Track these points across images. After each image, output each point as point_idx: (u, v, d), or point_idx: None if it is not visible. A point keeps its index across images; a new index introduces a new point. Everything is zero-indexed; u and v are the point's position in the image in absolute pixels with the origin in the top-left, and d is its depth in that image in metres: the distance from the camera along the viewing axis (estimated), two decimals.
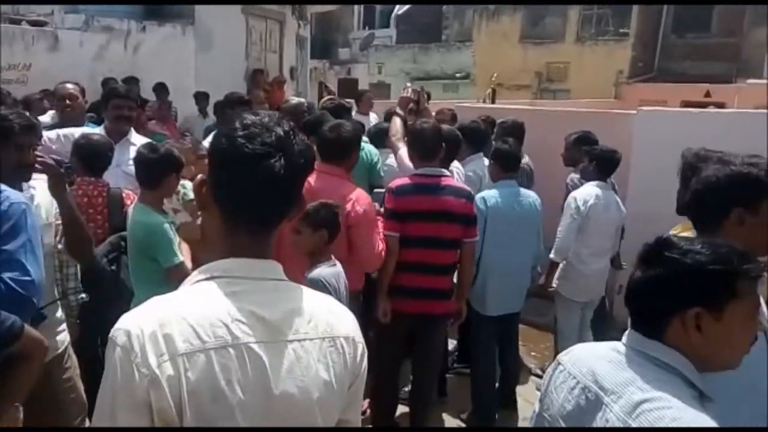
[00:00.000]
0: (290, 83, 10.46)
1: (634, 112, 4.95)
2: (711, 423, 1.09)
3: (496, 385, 3.74)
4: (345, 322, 1.14)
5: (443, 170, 3.30)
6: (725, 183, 1.57)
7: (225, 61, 8.82)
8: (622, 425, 1.13)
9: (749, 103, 8.68)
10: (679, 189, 2.56)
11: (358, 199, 2.97)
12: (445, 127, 3.68)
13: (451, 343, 4.17)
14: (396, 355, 3.34)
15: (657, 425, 1.09)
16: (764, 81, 11.44)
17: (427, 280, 3.14)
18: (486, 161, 4.39)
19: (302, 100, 5.44)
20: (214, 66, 8.48)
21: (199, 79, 8.22)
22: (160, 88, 7.23)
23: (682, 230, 2.44)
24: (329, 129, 3.13)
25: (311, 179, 2.97)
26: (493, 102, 9.30)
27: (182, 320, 0.98)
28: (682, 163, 2.65)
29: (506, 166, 3.65)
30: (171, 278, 2.51)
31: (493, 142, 4.74)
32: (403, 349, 3.35)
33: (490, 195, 3.55)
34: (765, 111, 4.43)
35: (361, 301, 3.16)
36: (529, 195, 3.68)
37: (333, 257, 2.64)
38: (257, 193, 1.04)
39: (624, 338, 1.28)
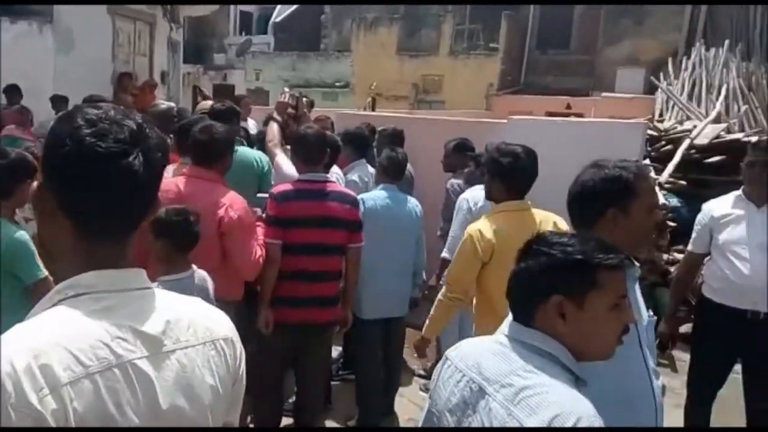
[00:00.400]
0: (161, 88, 9.96)
1: (505, 120, 5.20)
2: (588, 404, 1.15)
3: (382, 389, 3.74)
4: (222, 324, 1.09)
5: (328, 176, 3.26)
6: (599, 185, 1.67)
7: (88, 63, 8.18)
8: (505, 412, 1.17)
9: (605, 114, 9.48)
10: (486, 179, 2.86)
11: (232, 204, 2.81)
12: (328, 134, 3.66)
13: (336, 350, 4.13)
14: (279, 367, 3.23)
15: (537, 409, 1.13)
16: (616, 95, 12.59)
17: (311, 288, 3.07)
18: (370, 168, 4.42)
19: (172, 104, 5.18)
20: (75, 68, 7.85)
21: (59, 82, 7.56)
22: (12, 90, 6.58)
23: (496, 213, 2.69)
24: (200, 131, 2.95)
25: (180, 184, 2.80)
26: (373, 110, 9.41)
27: (58, 346, 0.87)
28: (487, 156, 2.92)
29: (393, 173, 3.68)
30: (35, 296, 2.25)
31: (374, 150, 4.80)
32: (286, 361, 3.25)
33: (369, 197, 3.56)
34: (619, 120, 4.84)
35: (241, 311, 3.02)
36: (410, 201, 3.72)
37: (194, 266, 2.46)
38: (115, 197, 0.94)
39: (505, 329, 1.32)
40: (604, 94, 12.71)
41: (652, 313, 1.75)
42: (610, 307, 1.25)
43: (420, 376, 4.35)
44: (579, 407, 1.13)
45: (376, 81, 14.22)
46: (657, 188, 5.95)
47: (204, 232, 2.48)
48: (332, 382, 3.99)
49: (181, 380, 0.97)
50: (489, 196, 2.90)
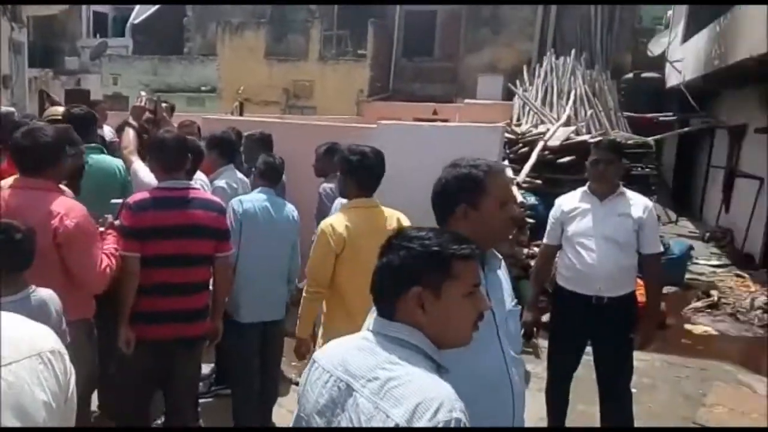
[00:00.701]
0: (3, 93, 9.06)
1: (375, 125, 5.29)
2: (448, 388, 1.20)
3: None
4: (47, 338, 1.05)
5: (190, 183, 3.12)
6: (452, 182, 1.75)
7: None
8: (372, 406, 1.19)
9: (468, 119, 9.96)
10: (340, 178, 3.09)
11: (68, 212, 2.55)
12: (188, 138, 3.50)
13: (207, 367, 3.96)
14: (143, 388, 3.03)
15: (402, 399, 1.16)
16: (478, 101, 13.27)
17: (174, 301, 2.91)
18: (239, 174, 4.30)
19: (11, 109, 4.73)
20: None
21: None
22: None
23: (348, 209, 2.86)
24: (23, 135, 2.64)
25: (5, 196, 2.55)
26: (241, 115, 9.19)
27: None
28: (339, 156, 3.17)
29: (270, 177, 3.65)
30: None
31: (242, 155, 4.68)
32: (151, 380, 3.05)
33: (247, 199, 3.52)
34: (479, 124, 5.11)
35: (95, 330, 2.80)
36: (287, 205, 3.70)
37: (32, 286, 2.21)
38: None
39: (371, 325, 1.35)
40: (467, 100, 13.34)
41: (516, 302, 1.83)
42: (464, 295, 1.32)
43: (298, 384, 4.29)
44: (441, 393, 1.17)
45: (244, 86, 13.86)
46: (515, 187, 6.35)
47: (39, 246, 2.26)
48: (205, 399, 3.82)
49: (9, 399, 0.92)
50: (342, 194, 3.16)
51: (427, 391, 1.17)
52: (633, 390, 3.87)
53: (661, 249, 3.45)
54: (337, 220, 2.93)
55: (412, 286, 1.29)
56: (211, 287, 3.12)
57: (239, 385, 3.59)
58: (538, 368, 4.37)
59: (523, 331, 3.68)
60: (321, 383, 1.32)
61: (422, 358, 1.27)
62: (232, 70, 16.48)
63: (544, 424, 3.78)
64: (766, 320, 6.52)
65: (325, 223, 2.94)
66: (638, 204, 3.37)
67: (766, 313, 6.68)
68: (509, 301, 1.78)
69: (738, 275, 8.22)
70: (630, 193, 3.45)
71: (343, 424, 1.24)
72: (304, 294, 3.00)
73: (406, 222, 2.95)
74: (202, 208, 2.97)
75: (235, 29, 17.04)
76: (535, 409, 4.00)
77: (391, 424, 1.15)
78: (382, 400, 1.18)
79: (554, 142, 8.21)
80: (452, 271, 1.30)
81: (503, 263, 1.84)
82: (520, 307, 1.83)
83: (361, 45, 16.09)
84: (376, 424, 1.18)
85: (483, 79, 14.97)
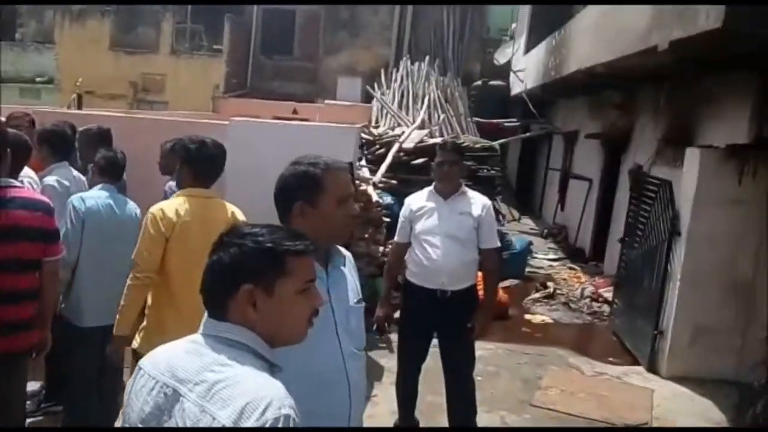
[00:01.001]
0: None
1: (227, 122, 5.14)
2: (279, 387, 1.19)
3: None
4: None
5: (11, 180, 2.82)
6: (290, 180, 1.75)
7: None
8: (198, 410, 1.16)
9: (328, 120, 9.96)
10: (179, 169, 3.07)
11: None
12: (9, 131, 3.16)
13: (34, 384, 3.61)
14: None
15: (229, 400, 1.14)
16: (338, 102, 13.38)
17: None
18: (74, 171, 3.98)
19: None
20: None
21: None
22: None
23: (180, 196, 2.82)
24: None
25: None
26: (79, 108, 8.50)
27: None
28: (179, 146, 3.14)
29: (111, 173, 3.49)
30: None
31: (77, 151, 4.33)
32: None
33: (89, 196, 3.37)
34: (334, 124, 5.15)
35: None
36: (129, 202, 3.55)
37: None
38: None
39: (201, 327, 1.30)
40: (327, 101, 13.41)
41: (359, 299, 1.86)
42: (298, 291, 1.30)
43: None
44: (270, 392, 1.16)
45: (87, 77, 12.81)
46: (371, 187, 6.48)
47: None
48: (33, 419, 3.48)
49: None
50: (179, 184, 3.12)
51: (256, 391, 1.15)
52: (478, 378, 4.12)
53: (498, 244, 3.71)
54: (167, 205, 2.89)
55: (243, 283, 1.26)
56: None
57: (75, 398, 3.32)
58: (392, 362, 4.49)
59: (375, 326, 3.81)
60: (146, 391, 1.26)
61: (253, 357, 1.25)
62: (72, 61, 15.18)
63: (395, 417, 3.90)
64: (594, 308, 7.24)
65: (155, 207, 2.89)
66: (478, 203, 3.59)
67: (593, 301, 7.42)
68: (352, 297, 1.80)
69: (571, 268, 9.05)
70: (471, 193, 3.67)
71: None
72: (129, 281, 2.86)
73: (241, 217, 2.93)
74: (23, 208, 2.70)
75: (76, 17, 15.72)
76: (388, 403, 4.12)
77: (218, 426, 1.12)
78: (209, 403, 1.15)
79: (409, 144, 8.50)
80: (286, 268, 1.28)
81: (349, 260, 1.87)
82: (363, 303, 1.86)
83: (217, 40, 15.56)
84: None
85: (342, 80, 15.14)
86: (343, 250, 1.83)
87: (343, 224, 1.77)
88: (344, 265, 1.82)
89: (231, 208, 3.00)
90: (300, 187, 1.72)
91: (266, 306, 1.27)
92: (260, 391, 1.16)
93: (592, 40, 7.26)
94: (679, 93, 6.45)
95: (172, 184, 4.25)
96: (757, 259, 4.95)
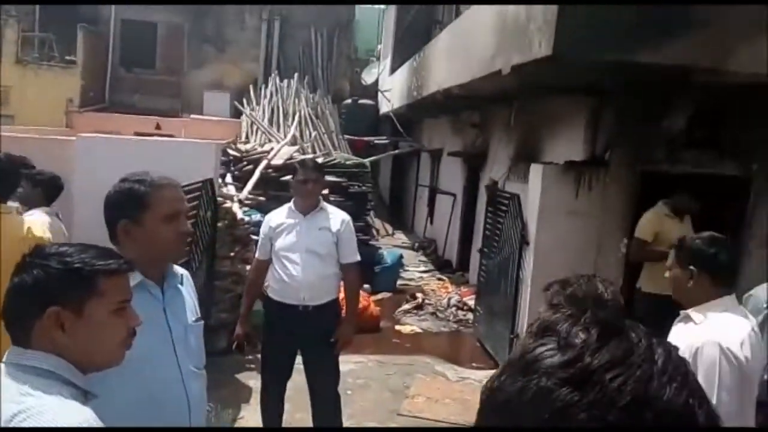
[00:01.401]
0: None
1: (74, 138, 4.84)
2: (87, 415, 1.14)
3: None
4: None
5: None
6: (114, 198, 1.71)
7: None
8: None
9: (195, 135, 9.68)
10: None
11: None
12: None
13: None
14: None
15: None
16: (205, 117, 13.02)
17: None
18: None
19: None
20: None
21: None
22: None
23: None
24: None
25: None
26: None
27: None
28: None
29: None
30: None
31: None
32: None
33: None
34: (192, 140, 5.01)
35: None
36: None
37: None
38: None
39: (5, 356, 1.23)
40: (192, 116, 12.99)
41: (198, 317, 1.82)
42: (111, 312, 1.26)
43: None
44: (78, 420, 1.11)
45: None
46: (236, 204, 6.37)
47: None
48: None
49: None
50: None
51: (61, 420, 1.10)
52: (348, 392, 4.16)
53: (358, 258, 3.78)
54: None
55: (49, 306, 1.20)
56: None
57: None
58: (260, 383, 4.42)
59: (235, 345, 3.75)
60: None
61: (62, 385, 1.18)
62: None
63: None
64: (460, 316, 7.58)
65: None
66: (337, 218, 3.65)
67: (459, 309, 7.77)
68: (191, 316, 1.77)
69: (440, 279, 9.42)
70: (330, 208, 3.72)
71: None
72: None
73: (37, 233, 2.74)
74: None
75: None
76: (255, 424, 4.04)
77: None
78: None
79: (278, 161, 8.45)
80: (97, 288, 1.24)
81: (186, 278, 1.83)
82: (202, 321, 1.82)
83: (70, 51, 14.55)
84: None
85: (209, 95, 14.74)
86: (179, 269, 1.80)
87: (171, 242, 1.72)
88: (181, 283, 1.79)
89: (29, 223, 2.80)
90: (124, 206, 1.68)
91: (76, 328, 1.21)
92: (67, 419, 1.11)
93: (447, 63, 7.67)
94: (526, 114, 6.98)
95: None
96: (596, 266, 5.46)
